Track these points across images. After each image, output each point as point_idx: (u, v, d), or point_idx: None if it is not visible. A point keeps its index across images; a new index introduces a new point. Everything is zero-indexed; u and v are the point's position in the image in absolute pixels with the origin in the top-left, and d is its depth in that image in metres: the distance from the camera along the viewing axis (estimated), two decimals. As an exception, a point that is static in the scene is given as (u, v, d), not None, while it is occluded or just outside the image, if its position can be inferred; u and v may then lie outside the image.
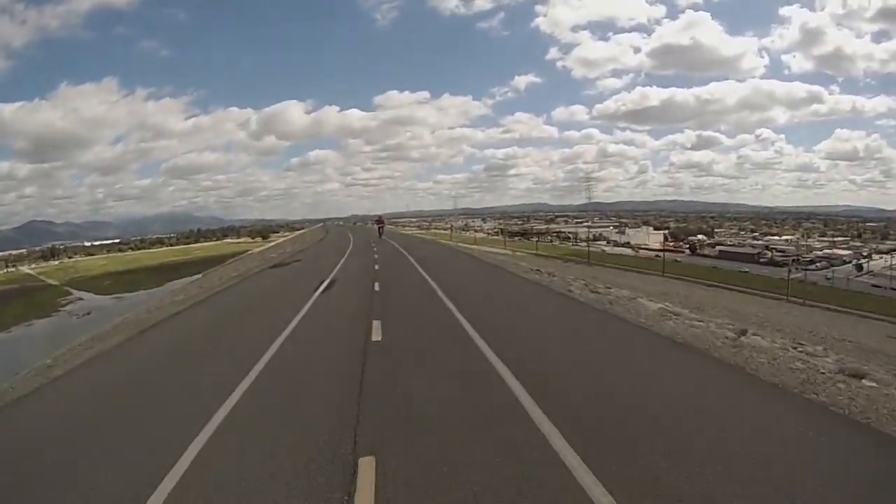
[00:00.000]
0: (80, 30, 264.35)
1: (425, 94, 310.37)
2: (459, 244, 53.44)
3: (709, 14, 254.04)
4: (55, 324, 52.75)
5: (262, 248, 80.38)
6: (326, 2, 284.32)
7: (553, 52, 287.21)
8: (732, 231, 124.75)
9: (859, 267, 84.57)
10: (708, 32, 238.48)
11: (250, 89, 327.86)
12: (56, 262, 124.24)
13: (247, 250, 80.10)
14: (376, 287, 21.10)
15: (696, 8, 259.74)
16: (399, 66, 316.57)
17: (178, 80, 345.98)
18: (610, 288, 19.96)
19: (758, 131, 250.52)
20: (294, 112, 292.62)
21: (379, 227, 71.41)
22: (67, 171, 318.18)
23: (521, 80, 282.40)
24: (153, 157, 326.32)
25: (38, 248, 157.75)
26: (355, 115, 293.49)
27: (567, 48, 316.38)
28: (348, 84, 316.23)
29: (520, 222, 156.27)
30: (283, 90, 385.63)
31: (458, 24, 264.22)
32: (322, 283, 23.45)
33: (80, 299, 69.26)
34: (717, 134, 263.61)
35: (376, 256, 36.82)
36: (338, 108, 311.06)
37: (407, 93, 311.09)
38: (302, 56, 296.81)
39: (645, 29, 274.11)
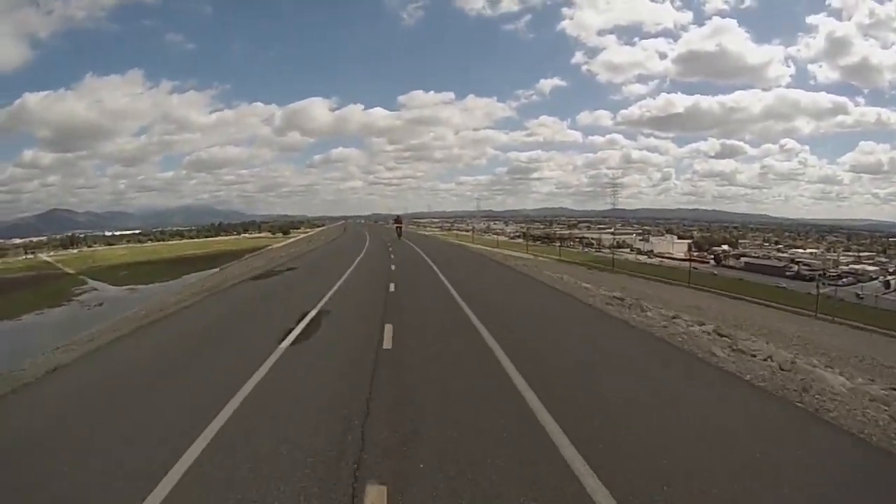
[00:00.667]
0: (106, 22, 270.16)
1: (450, 95, 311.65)
2: (482, 248, 52.09)
3: (735, 21, 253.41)
4: (65, 314, 51.85)
5: (281, 244, 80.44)
6: (353, 0, 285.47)
7: (579, 56, 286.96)
8: (756, 242, 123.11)
9: (887, 284, 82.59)
10: (734, 39, 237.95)
11: (275, 85, 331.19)
12: (75, 251, 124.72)
13: (266, 246, 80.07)
14: (386, 341, 12.17)
15: (722, 14, 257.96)
16: (424, 66, 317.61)
17: (203, 74, 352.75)
18: (647, 310, 16.73)
19: (782, 141, 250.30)
20: (318, 109, 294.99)
21: (397, 228, 71.71)
22: (90, 161, 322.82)
23: (547, 84, 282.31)
24: (176, 149, 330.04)
25: (58, 237, 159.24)
26: (379, 114, 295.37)
27: (593, 52, 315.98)
28: (373, 82, 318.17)
29: (542, 226, 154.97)
30: (307, 87, 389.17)
31: (484, 25, 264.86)
32: (303, 316, 15.26)
33: (95, 290, 68.38)
34: (740, 143, 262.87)
35: (393, 268, 29.76)
36: (362, 107, 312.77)
37: (432, 93, 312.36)
38: (327, 53, 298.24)
39: (671, 34, 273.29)
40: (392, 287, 21.35)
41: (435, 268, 29.57)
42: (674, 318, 15.18)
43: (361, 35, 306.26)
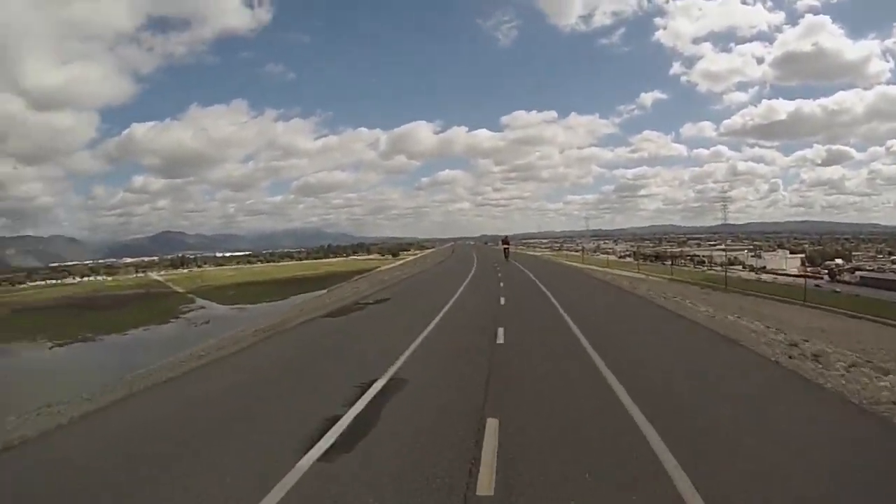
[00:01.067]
0: (207, 55, 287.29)
1: (552, 114, 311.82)
2: (594, 268, 50.58)
3: (828, 17, 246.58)
4: (172, 330, 53.14)
5: (389, 266, 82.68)
6: (447, 22, 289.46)
7: (676, 67, 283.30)
8: (869, 254, 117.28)
9: None
10: (829, 37, 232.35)
11: (378, 110, 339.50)
12: (185, 271, 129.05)
13: (375, 268, 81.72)
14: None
15: (814, 11, 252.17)
16: (524, 85, 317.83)
17: (306, 102, 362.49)
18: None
19: (888, 143, 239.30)
20: (423, 132, 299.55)
21: (504, 249, 70.77)
22: (199, 186, 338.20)
23: (647, 97, 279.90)
24: (284, 175, 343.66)
25: (168, 257, 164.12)
26: (484, 136, 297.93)
27: (690, 62, 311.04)
28: (475, 104, 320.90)
29: (651, 245, 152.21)
30: (410, 110, 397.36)
31: (579, 40, 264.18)
32: (396, 359, 12.73)
33: (202, 308, 70.03)
34: (846, 148, 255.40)
35: (502, 301, 24.62)
36: (466, 129, 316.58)
37: (534, 112, 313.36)
38: (427, 76, 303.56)
39: (766, 37, 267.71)
40: (500, 337, 15.31)
41: (552, 298, 25.05)
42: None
43: (459, 56, 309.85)
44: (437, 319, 19.12)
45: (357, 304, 27.59)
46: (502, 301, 24.59)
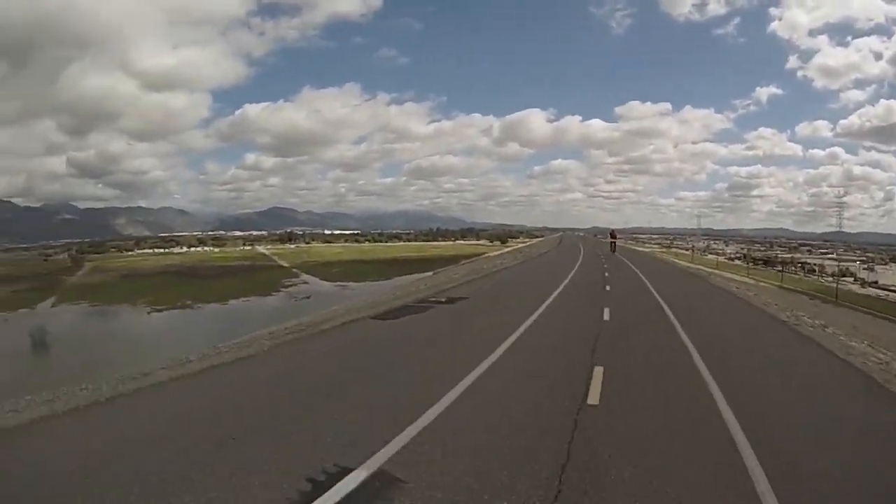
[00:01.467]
0: (319, 39, 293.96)
1: (667, 106, 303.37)
2: (701, 268, 47.30)
3: None
4: (272, 303, 54.31)
5: (496, 252, 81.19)
6: (560, 9, 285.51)
7: (793, 61, 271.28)
8: None
9: None
10: None
11: (491, 96, 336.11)
12: (292, 246, 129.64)
13: (482, 253, 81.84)
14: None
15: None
16: (638, 75, 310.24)
17: (419, 86, 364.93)
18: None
19: None
20: (536, 120, 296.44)
21: (612, 243, 71.36)
22: (311, 165, 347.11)
23: (763, 92, 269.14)
24: (396, 157, 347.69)
25: (277, 232, 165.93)
26: (597, 126, 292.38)
27: (806, 55, 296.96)
28: (589, 93, 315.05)
29: (762, 248, 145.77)
30: (524, 98, 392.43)
31: (694, 29, 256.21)
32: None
33: (305, 283, 70.59)
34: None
35: (606, 316, 18.06)
36: (580, 118, 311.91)
37: (649, 104, 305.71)
38: (540, 63, 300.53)
39: (884, 31, 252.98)
40: (599, 376, 10.35)
41: (671, 316, 18.93)
42: None
43: (573, 44, 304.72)
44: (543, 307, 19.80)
45: (469, 282, 29.49)
46: (606, 315, 18.09)
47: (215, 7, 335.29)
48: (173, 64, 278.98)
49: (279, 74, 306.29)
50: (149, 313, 49.81)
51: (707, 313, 21.30)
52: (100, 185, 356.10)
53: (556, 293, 24.54)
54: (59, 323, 48.08)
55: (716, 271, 45.19)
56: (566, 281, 30.62)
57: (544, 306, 20.19)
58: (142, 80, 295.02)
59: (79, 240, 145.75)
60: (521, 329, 15.25)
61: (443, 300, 22.69)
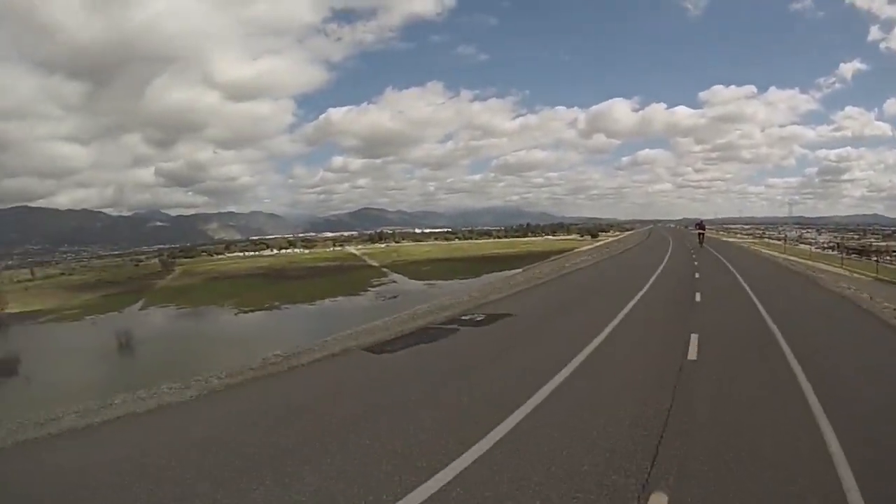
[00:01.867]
0: (396, 41, 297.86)
1: (751, 88, 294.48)
2: (796, 260, 43.29)
3: None
4: (359, 303, 53.34)
5: (587, 247, 79.64)
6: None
7: (874, 32, 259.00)
8: None
9: None
10: None
11: (574, 87, 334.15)
12: (382, 245, 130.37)
13: (573, 248, 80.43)
14: None
15: None
16: (719, 57, 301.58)
17: (501, 82, 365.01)
18: None
19: None
20: (621, 110, 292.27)
21: (700, 234, 68.26)
22: (398, 165, 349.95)
23: (847, 68, 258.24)
24: (483, 153, 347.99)
25: (367, 232, 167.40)
26: (683, 113, 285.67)
27: (887, 25, 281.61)
28: (671, 79, 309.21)
29: (856, 236, 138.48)
30: (607, 87, 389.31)
31: (770, 5, 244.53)
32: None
33: (393, 282, 69.74)
34: None
35: (692, 349, 12.25)
36: (664, 106, 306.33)
37: (732, 87, 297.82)
38: (620, 51, 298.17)
39: None
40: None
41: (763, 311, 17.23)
42: None
43: (649, 29, 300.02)
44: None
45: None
46: (693, 346, 12.50)
47: (290, 17, 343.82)
48: (254, 74, 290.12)
49: (360, 77, 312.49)
50: (235, 314, 49.74)
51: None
52: (189, 193, 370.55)
53: (632, 303, 19.47)
54: (147, 325, 48.84)
55: (807, 261, 41.75)
56: (647, 285, 25.06)
57: (618, 319, 16.04)
58: (224, 92, 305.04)
59: (170, 245, 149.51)
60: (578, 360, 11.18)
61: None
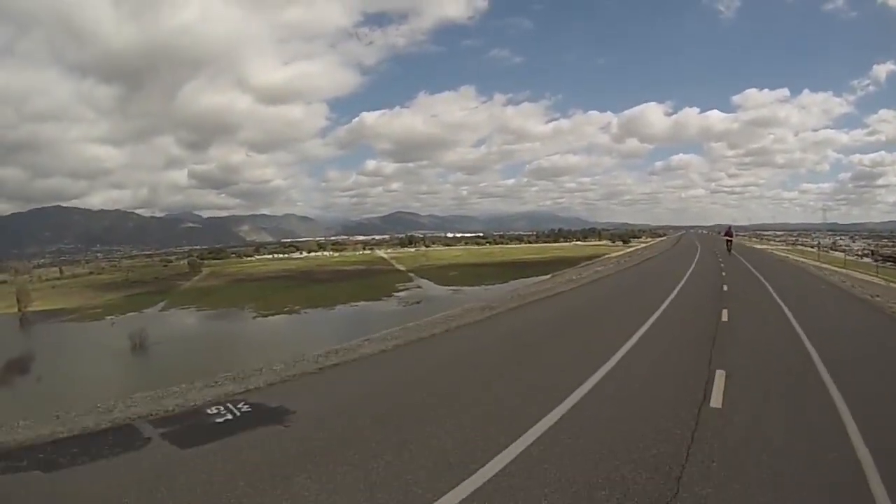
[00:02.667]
0: (429, 45, 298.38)
1: (784, 92, 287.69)
2: (829, 268, 41.36)
3: None
4: (380, 308, 52.98)
5: (617, 253, 79.49)
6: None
7: None
8: None
9: None
10: None
11: (607, 92, 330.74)
12: (412, 250, 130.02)
13: (604, 254, 79.54)
14: None
15: None
16: (752, 60, 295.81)
17: (534, 86, 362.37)
18: None
19: None
20: (653, 114, 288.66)
21: (727, 241, 66.37)
22: (432, 169, 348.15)
23: (881, 70, 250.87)
24: (516, 158, 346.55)
25: (398, 236, 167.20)
26: (716, 117, 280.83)
27: None
28: (704, 83, 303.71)
29: (890, 243, 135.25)
30: (640, 92, 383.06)
31: (802, 6, 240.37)
32: None
33: (419, 287, 69.54)
34: None
35: (716, 405, 8.35)
36: (697, 110, 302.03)
37: (766, 91, 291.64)
38: (653, 55, 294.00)
39: None
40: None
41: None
42: None
43: (683, 33, 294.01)
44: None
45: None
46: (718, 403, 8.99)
47: (322, 21, 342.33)
48: (286, 78, 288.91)
49: (393, 81, 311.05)
50: (253, 318, 49.27)
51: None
52: (222, 195, 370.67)
53: (652, 319, 16.24)
54: (164, 326, 48.27)
55: (840, 269, 40.12)
56: (670, 298, 21.35)
57: (632, 341, 12.79)
58: (257, 95, 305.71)
59: (201, 247, 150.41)
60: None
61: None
